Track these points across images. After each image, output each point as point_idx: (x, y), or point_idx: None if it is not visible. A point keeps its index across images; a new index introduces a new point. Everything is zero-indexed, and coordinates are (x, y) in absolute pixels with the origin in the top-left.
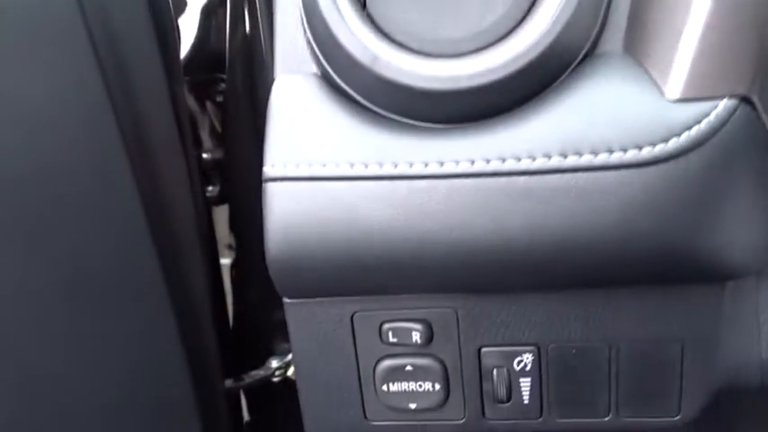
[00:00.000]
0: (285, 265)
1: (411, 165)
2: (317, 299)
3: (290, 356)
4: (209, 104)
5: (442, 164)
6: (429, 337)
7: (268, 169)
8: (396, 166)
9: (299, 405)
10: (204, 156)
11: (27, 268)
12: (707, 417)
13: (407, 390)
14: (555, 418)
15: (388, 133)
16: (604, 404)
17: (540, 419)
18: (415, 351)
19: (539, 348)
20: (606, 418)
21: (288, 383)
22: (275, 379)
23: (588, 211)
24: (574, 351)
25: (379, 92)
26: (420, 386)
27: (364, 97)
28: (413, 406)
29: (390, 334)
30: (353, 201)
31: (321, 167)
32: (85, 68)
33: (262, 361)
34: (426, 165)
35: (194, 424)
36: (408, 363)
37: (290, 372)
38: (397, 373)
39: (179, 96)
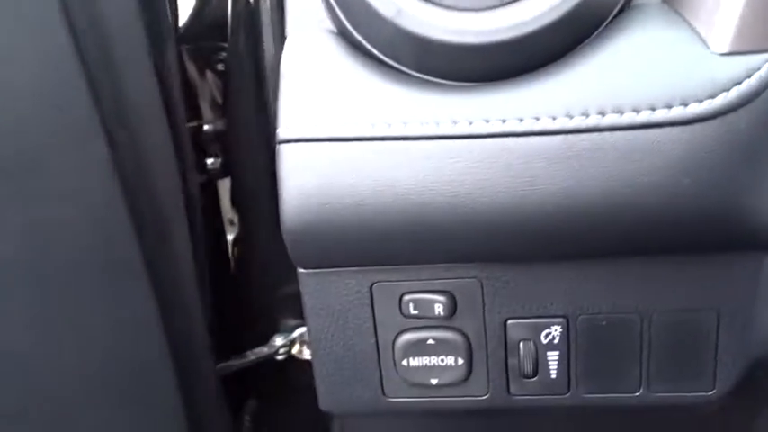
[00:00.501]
0: (302, 233)
1: (438, 124)
2: (335, 269)
3: (295, 334)
4: (209, 74)
5: (471, 123)
6: (452, 309)
7: (282, 131)
8: (422, 125)
9: (304, 383)
10: (205, 127)
11: None
12: (741, 392)
13: (429, 364)
14: (583, 394)
15: (412, 91)
16: (635, 378)
17: (568, 395)
18: (438, 324)
19: (567, 320)
20: (636, 393)
21: (294, 361)
22: (279, 357)
23: (629, 173)
24: (604, 322)
25: (402, 47)
26: (442, 361)
27: (386, 54)
28: (434, 381)
29: (411, 306)
30: (375, 163)
31: (340, 128)
32: (56, 32)
33: (266, 338)
34: (455, 124)
35: (177, 407)
36: (430, 336)
37: (295, 349)
38: (417, 347)
39: (167, 64)
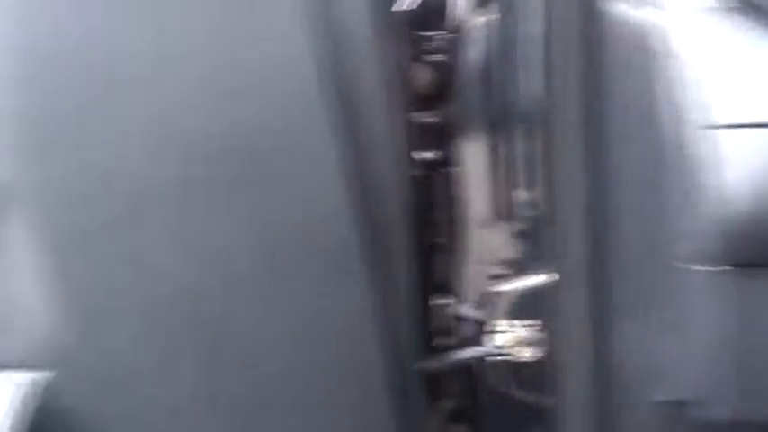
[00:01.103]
0: (753, 224)
1: None
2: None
3: (509, 335)
4: (424, 63)
5: None
6: None
7: (722, 115)
8: None
9: (503, 386)
10: (425, 119)
11: (224, 231)
12: None
13: None
14: None
15: None
16: None
17: None
18: None
19: None
20: None
21: (495, 364)
22: (498, 357)
23: None
24: None
25: None
26: None
27: None
28: None
29: None
30: None
31: None
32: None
33: (473, 338)
34: None
35: (387, 405)
36: None
37: (515, 350)
38: None
39: (388, 53)
